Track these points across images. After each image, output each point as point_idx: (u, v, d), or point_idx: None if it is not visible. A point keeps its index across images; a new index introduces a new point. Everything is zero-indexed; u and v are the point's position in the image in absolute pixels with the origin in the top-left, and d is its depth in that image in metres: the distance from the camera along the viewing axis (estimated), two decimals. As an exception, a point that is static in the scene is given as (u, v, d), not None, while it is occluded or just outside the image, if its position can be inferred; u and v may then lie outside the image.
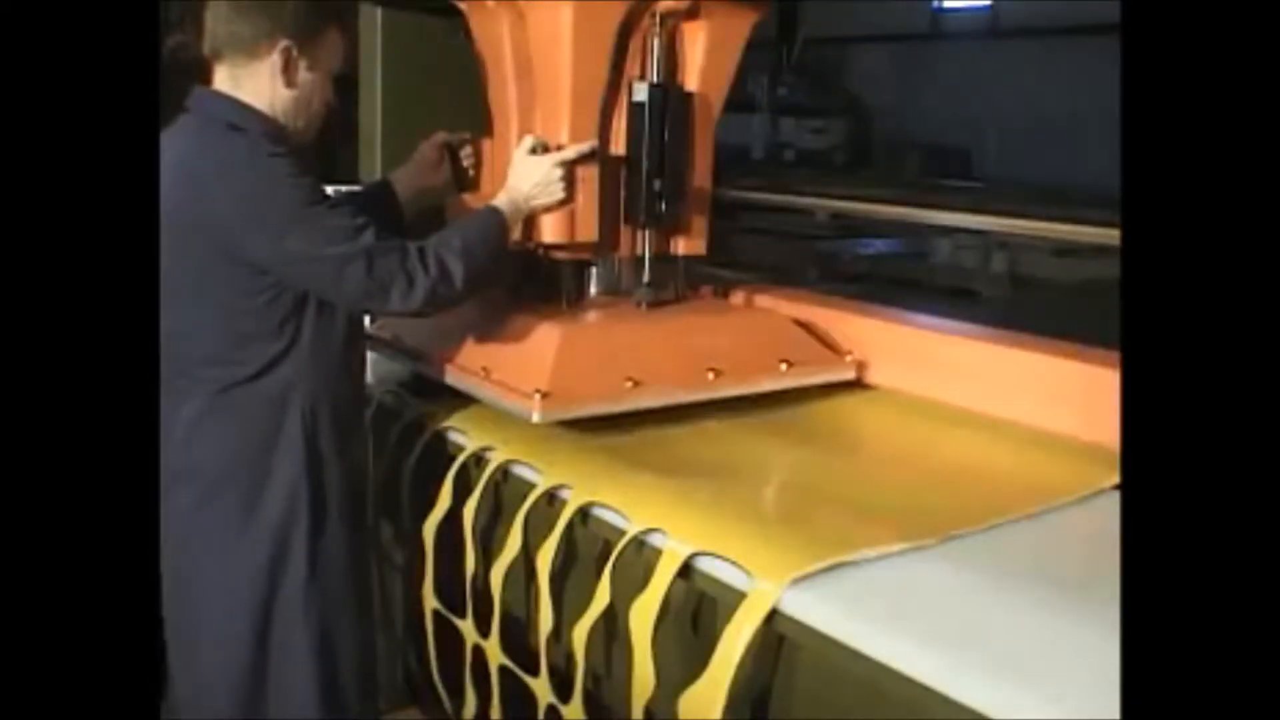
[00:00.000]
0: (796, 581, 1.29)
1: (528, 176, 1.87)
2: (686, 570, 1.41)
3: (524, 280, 2.09)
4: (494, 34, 2.07)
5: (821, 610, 1.27)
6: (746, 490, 1.66)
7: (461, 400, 1.97)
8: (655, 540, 1.47)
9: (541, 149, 1.91)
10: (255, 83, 1.65)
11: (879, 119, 9.14)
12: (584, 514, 1.60)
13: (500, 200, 1.85)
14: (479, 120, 2.17)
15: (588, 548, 1.62)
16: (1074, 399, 1.84)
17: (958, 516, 1.50)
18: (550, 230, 1.94)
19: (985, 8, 8.98)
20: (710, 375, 1.93)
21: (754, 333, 2.12)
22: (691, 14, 2.03)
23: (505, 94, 2.08)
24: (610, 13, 1.94)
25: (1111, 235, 2.14)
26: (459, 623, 1.83)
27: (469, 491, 1.80)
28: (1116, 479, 1.62)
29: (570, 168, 1.91)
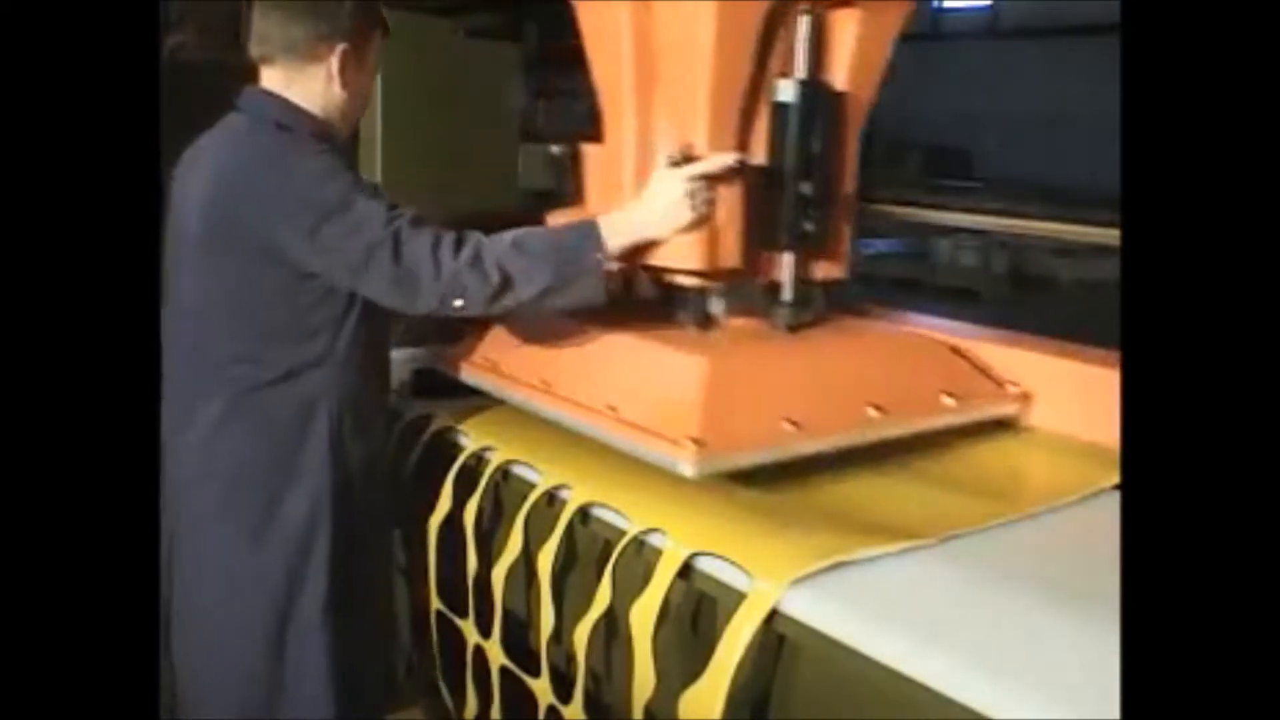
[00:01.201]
0: (796, 581, 1.29)
1: (665, 192, 1.65)
2: (686, 570, 1.41)
3: (627, 295, 1.83)
4: (610, 30, 1.78)
5: (821, 610, 1.27)
6: (744, 487, 1.65)
7: (461, 400, 1.96)
8: (655, 540, 1.47)
9: (682, 160, 1.66)
10: (309, 85, 1.64)
11: (879, 119, 9.15)
12: (584, 514, 1.60)
13: (619, 217, 1.65)
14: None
15: (588, 548, 1.62)
16: (1074, 399, 1.84)
17: (957, 516, 1.50)
18: (687, 255, 1.67)
19: (985, 8, 8.99)
20: (873, 412, 1.66)
21: (914, 360, 1.83)
22: (844, 1, 1.76)
23: (620, 97, 1.79)
24: (754, 8, 1.67)
25: (1111, 235, 2.14)
26: (460, 623, 1.83)
27: (469, 492, 1.80)
28: (1116, 479, 1.62)
29: (711, 184, 1.67)
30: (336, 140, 1.69)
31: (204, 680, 1.69)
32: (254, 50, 1.65)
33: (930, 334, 1.97)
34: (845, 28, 1.77)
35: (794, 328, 1.80)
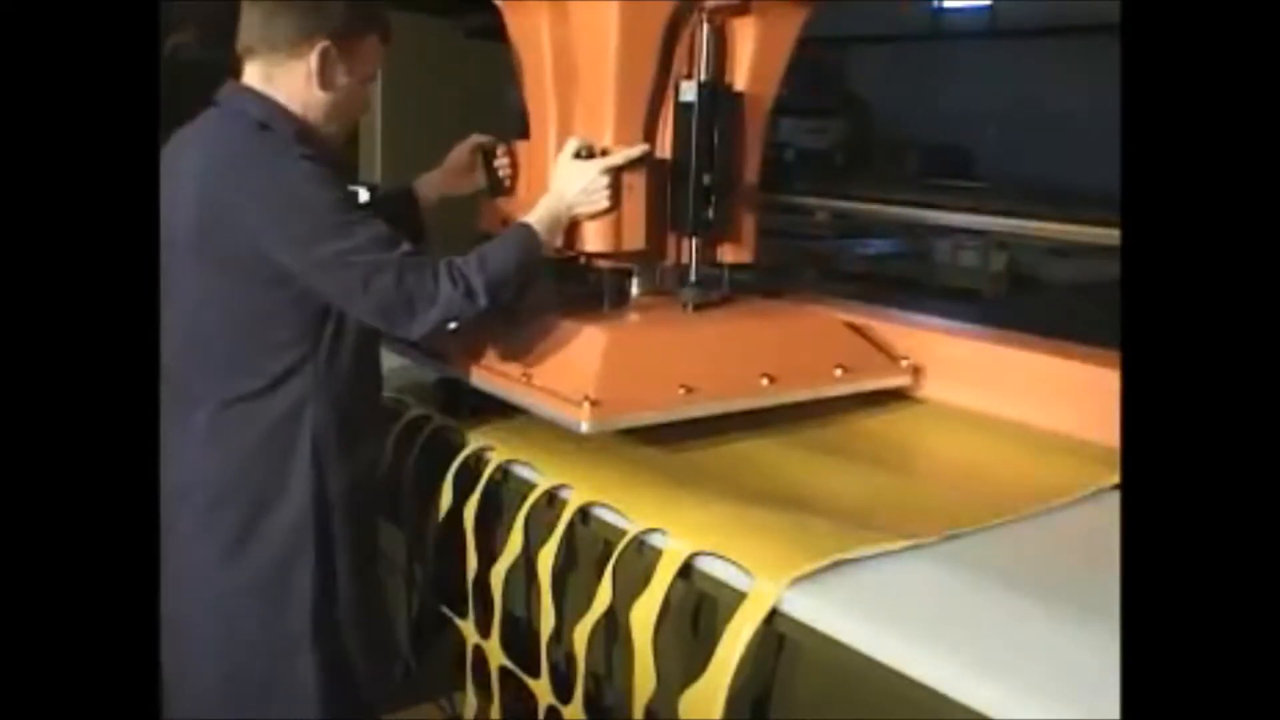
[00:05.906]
0: (796, 581, 1.29)
1: (572, 183, 1.79)
2: (687, 570, 1.41)
3: (561, 281, 2.02)
4: (532, 32, 1.96)
5: (821, 610, 1.27)
6: (742, 485, 1.65)
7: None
8: (655, 540, 1.47)
9: (587, 153, 1.82)
10: (290, 82, 1.60)
11: (879, 119, 9.14)
12: (584, 514, 1.60)
13: (540, 211, 1.76)
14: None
15: (588, 548, 1.62)
16: (1074, 399, 1.84)
17: (958, 515, 1.50)
18: (594, 239, 1.85)
19: (985, 8, 8.99)
20: (764, 381, 1.83)
21: (807, 336, 2.00)
22: (741, 10, 1.93)
23: (543, 95, 1.98)
24: (657, 10, 1.86)
25: (1111, 235, 2.14)
26: (460, 623, 1.83)
27: (469, 491, 1.79)
28: (1116, 479, 1.62)
29: (616, 174, 1.82)
30: (322, 146, 1.63)
31: (190, 694, 1.64)
32: (239, 43, 1.62)
33: (827, 313, 2.16)
34: (745, 34, 1.96)
35: (699, 306, 1.98)
